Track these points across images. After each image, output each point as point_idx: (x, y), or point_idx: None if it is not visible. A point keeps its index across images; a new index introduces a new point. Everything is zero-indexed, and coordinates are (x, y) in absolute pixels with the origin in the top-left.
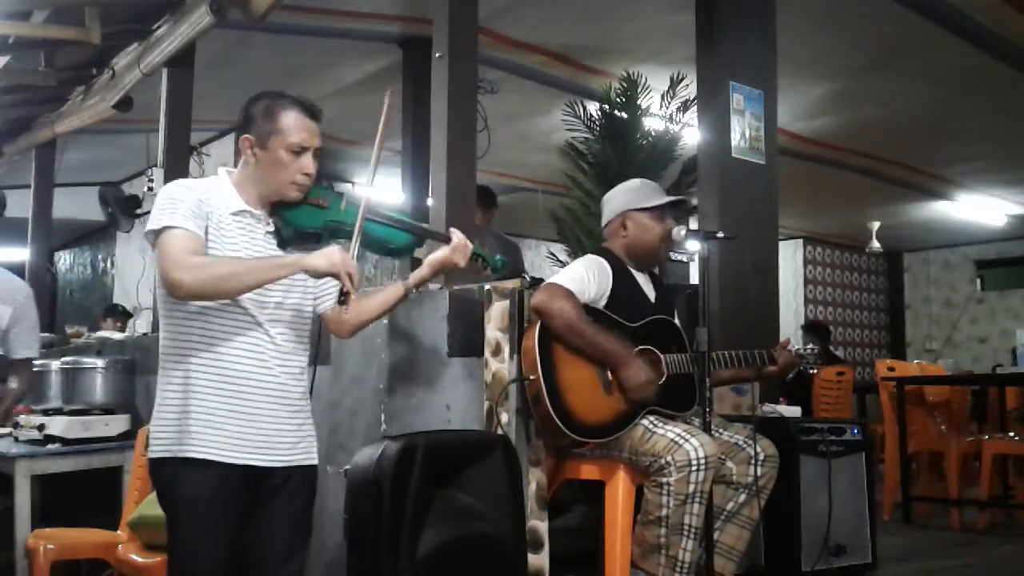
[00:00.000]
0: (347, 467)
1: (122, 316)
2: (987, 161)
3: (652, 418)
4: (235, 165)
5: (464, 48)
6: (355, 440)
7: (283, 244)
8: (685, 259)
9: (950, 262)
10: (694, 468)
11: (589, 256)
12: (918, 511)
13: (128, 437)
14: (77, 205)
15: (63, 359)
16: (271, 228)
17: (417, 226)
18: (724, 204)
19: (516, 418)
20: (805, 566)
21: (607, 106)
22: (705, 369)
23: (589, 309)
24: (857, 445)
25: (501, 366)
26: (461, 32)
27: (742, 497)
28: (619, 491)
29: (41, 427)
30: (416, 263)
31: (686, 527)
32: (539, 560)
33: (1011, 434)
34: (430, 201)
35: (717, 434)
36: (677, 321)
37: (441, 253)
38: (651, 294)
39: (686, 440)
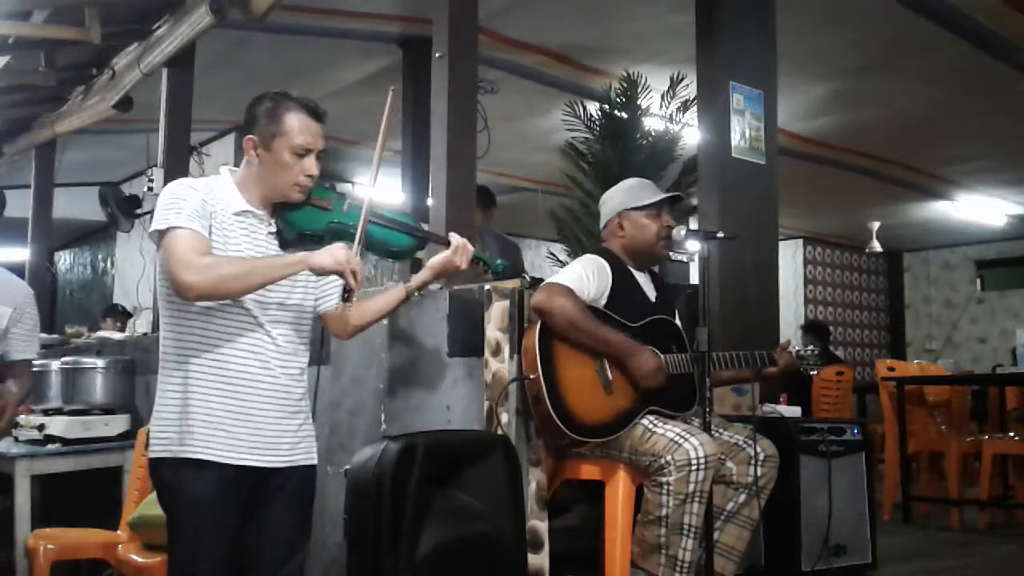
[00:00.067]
0: (347, 467)
1: (122, 316)
2: (987, 161)
3: (652, 418)
4: (236, 164)
5: (464, 48)
6: (355, 440)
7: (285, 245)
8: (685, 259)
9: (950, 262)
10: (694, 468)
11: (588, 256)
12: (918, 511)
13: (128, 437)
14: (77, 205)
15: (63, 359)
16: (273, 229)
17: (418, 229)
18: (724, 204)
19: (516, 418)
20: (805, 566)
21: (607, 106)
22: (705, 369)
23: (589, 309)
24: (857, 445)
25: (501, 366)
26: (461, 32)
27: (742, 497)
28: (619, 491)
29: (41, 427)
30: (417, 264)
31: (686, 527)
32: (539, 560)
33: (1011, 434)
34: (430, 201)
35: (717, 434)
36: (678, 321)
37: (442, 256)
38: (651, 294)
39: (686, 440)
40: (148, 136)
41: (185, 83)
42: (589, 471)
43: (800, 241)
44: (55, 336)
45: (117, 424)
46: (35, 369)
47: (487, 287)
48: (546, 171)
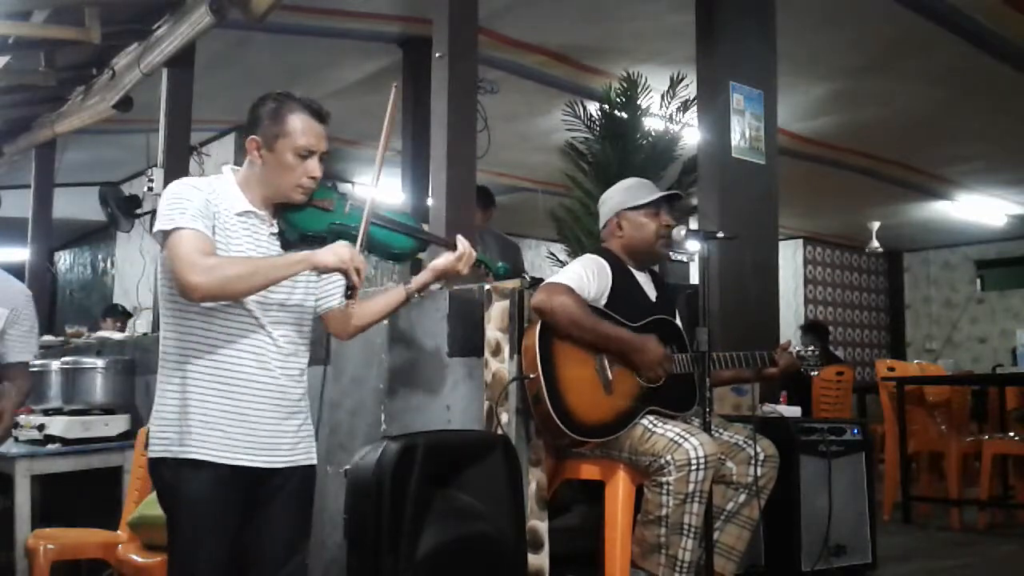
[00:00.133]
0: (347, 467)
1: (122, 316)
2: (987, 161)
3: (652, 418)
4: (236, 164)
5: (464, 48)
6: (355, 440)
7: (287, 246)
8: (685, 259)
9: (950, 262)
10: (693, 467)
11: (588, 256)
12: (918, 511)
13: (128, 437)
14: (77, 205)
15: (63, 359)
16: (275, 229)
17: (420, 231)
18: (724, 204)
19: (516, 418)
20: (805, 566)
21: (607, 106)
22: (705, 369)
23: (589, 309)
24: (857, 445)
25: (501, 366)
26: (461, 32)
27: (742, 497)
28: (619, 491)
29: (41, 427)
30: (418, 265)
31: (686, 526)
32: (539, 560)
33: (1011, 434)
34: (430, 201)
35: (717, 434)
36: (678, 321)
37: (444, 260)
38: (652, 294)
39: (685, 439)
40: (148, 136)
41: (185, 83)
42: (589, 471)
43: (800, 241)
44: (55, 337)
45: (117, 424)
46: (35, 369)
47: (487, 287)
48: (546, 171)
